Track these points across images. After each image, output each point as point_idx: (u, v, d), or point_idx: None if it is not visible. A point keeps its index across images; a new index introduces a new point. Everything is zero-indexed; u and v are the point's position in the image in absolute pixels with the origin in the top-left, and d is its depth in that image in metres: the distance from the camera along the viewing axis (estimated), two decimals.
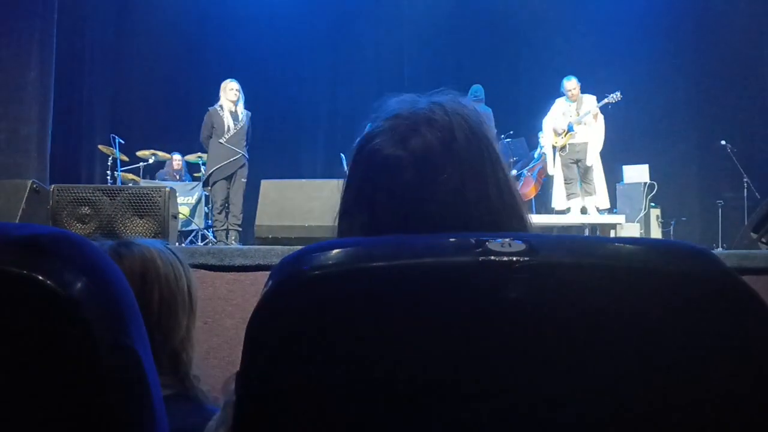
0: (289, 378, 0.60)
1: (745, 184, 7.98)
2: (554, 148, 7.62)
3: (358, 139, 0.95)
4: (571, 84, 7.47)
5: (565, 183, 7.55)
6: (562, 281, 0.59)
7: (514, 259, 0.58)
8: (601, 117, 7.43)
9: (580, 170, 7.52)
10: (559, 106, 7.55)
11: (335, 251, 0.63)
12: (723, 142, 8.17)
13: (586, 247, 0.62)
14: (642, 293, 0.59)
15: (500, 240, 0.60)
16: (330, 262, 0.62)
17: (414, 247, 0.62)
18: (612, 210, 7.92)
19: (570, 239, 0.64)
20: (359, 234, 0.88)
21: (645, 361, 0.59)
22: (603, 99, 7.48)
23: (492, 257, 0.59)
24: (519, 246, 0.60)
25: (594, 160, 7.53)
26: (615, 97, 7.45)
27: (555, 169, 7.66)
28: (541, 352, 0.58)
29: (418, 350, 0.59)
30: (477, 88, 8.04)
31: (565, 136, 7.44)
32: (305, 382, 0.60)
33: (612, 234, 7.36)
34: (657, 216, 8.27)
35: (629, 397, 0.59)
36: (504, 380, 0.59)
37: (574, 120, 7.40)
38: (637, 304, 0.59)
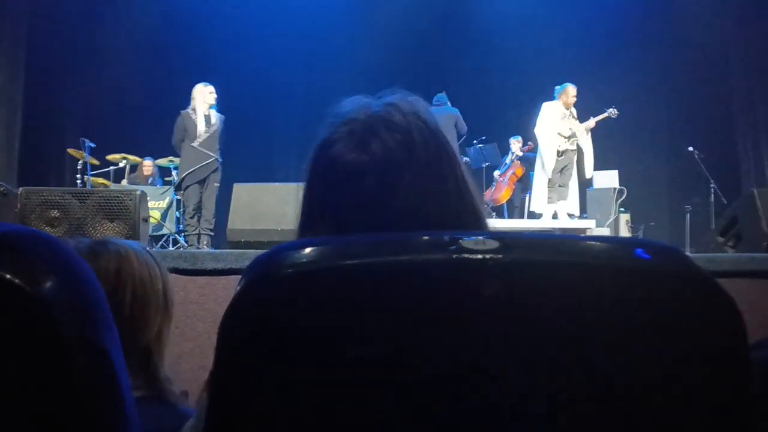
0: (261, 379, 0.59)
1: (712, 190, 8.11)
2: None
3: (315, 144, 0.95)
4: (575, 90, 7.50)
5: (549, 187, 7.58)
6: (536, 279, 0.59)
7: (488, 256, 0.59)
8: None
9: (561, 176, 7.57)
10: (555, 109, 7.54)
11: (308, 249, 0.62)
12: (691, 149, 8.29)
13: (559, 245, 0.63)
14: (613, 290, 0.60)
15: (474, 238, 0.60)
16: (303, 260, 0.61)
17: (388, 244, 0.62)
18: (582, 215, 8.00)
19: (543, 237, 0.64)
20: None
21: (617, 357, 0.59)
22: (602, 113, 7.57)
23: (466, 255, 0.59)
24: (493, 244, 0.60)
25: (590, 173, 7.64)
26: (613, 112, 7.55)
27: (547, 172, 7.64)
28: (516, 350, 0.59)
29: (392, 349, 0.59)
30: (439, 96, 8.10)
31: (568, 140, 7.47)
32: (278, 382, 0.59)
33: None
34: (626, 221, 8.37)
35: (603, 392, 0.59)
36: (479, 378, 0.59)
37: (575, 127, 7.45)
38: (609, 300, 0.60)
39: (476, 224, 0.91)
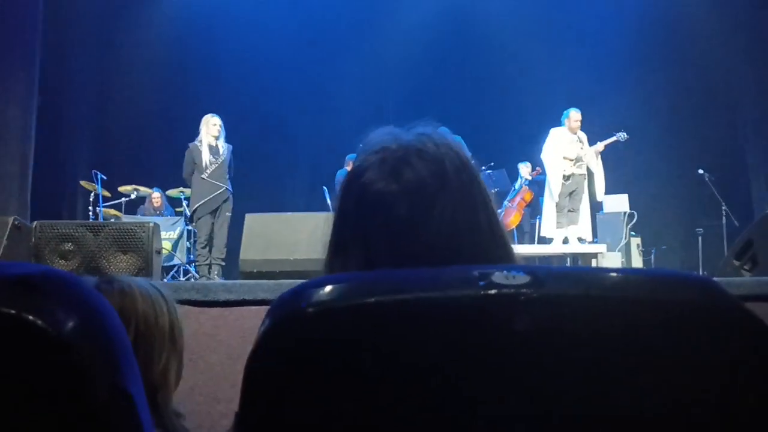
0: (288, 419, 0.58)
1: (724, 212, 8.07)
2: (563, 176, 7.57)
3: (345, 173, 0.94)
4: (579, 115, 7.50)
5: (558, 212, 7.56)
6: (569, 313, 0.58)
7: (520, 291, 0.57)
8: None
9: (570, 201, 7.55)
10: (562, 135, 7.54)
11: (335, 286, 0.61)
12: (701, 171, 8.26)
13: (591, 279, 0.62)
14: (649, 324, 0.59)
15: (504, 272, 0.59)
16: (329, 298, 0.60)
17: (416, 281, 0.61)
18: (593, 239, 7.96)
19: (574, 270, 0.63)
20: (354, 271, 0.86)
21: (654, 393, 0.58)
22: (611, 137, 7.56)
23: (497, 290, 0.57)
24: (523, 278, 0.59)
25: (601, 196, 7.62)
26: (622, 136, 7.55)
27: (554, 196, 7.64)
28: (550, 386, 0.57)
29: (422, 387, 0.57)
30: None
31: (574, 164, 7.47)
32: (306, 423, 0.58)
33: (593, 263, 7.38)
34: (637, 245, 8.32)
35: (639, 429, 0.58)
36: (513, 415, 0.57)
37: (581, 152, 7.45)
38: (645, 335, 0.58)
39: (506, 255, 0.90)
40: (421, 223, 0.85)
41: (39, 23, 8.47)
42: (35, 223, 3.88)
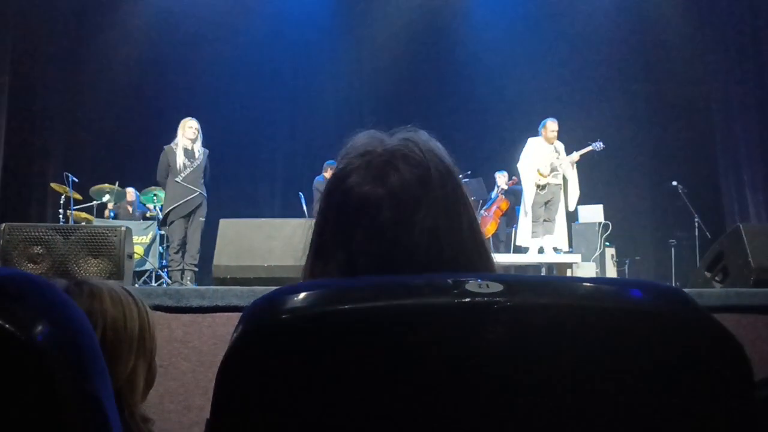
0: (261, 426, 0.58)
1: (696, 224, 8.17)
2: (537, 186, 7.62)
3: (324, 179, 0.94)
4: (555, 125, 7.55)
5: (534, 221, 7.60)
6: (541, 322, 0.58)
7: (493, 300, 0.58)
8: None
9: (546, 210, 7.60)
10: (538, 145, 7.59)
11: (309, 293, 0.61)
12: (674, 183, 8.36)
13: (564, 288, 0.62)
14: (619, 332, 0.59)
15: (478, 281, 0.59)
16: (303, 304, 0.60)
17: (391, 288, 0.61)
18: (570, 249, 8.01)
19: (546, 280, 0.64)
20: (335, 275, 0.86)
21: (624, 399, 0.58)
22: (586, 146, 7.61)
23: (470, 299, 0.58)
24: (497, 287, 0.59)
25: (573, 206, 7.67)
26: (598, 146, 7.61)
27: (527, 206, 7.69)
28: (521, 394, 0.57)
29: (395, 394, 0.57)
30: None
31: (549, 175, 7.52)
32: (279, 429, 0.58)
33: (568, 273, 7.44)
34: (612, 255, 8.40)
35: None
36: (484, 423, 0.57)
37: (557, 162, 7.51)
38: (615, 343, 0.59)
39: (486, 264, 0.90)
40: (404, 227, 0.85)
41: (8, 21, 8.37)
42: (3, 225, 3.81)
